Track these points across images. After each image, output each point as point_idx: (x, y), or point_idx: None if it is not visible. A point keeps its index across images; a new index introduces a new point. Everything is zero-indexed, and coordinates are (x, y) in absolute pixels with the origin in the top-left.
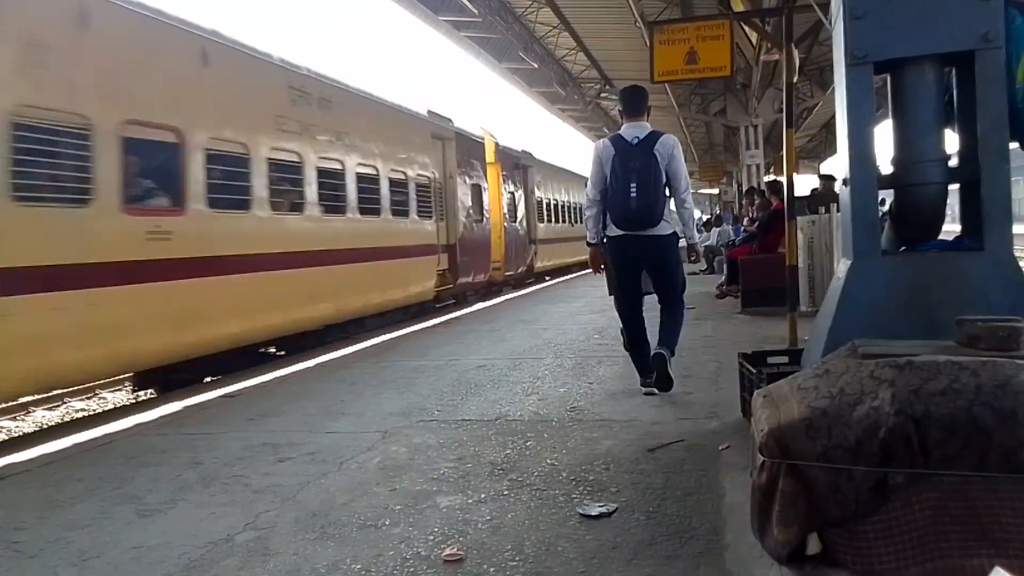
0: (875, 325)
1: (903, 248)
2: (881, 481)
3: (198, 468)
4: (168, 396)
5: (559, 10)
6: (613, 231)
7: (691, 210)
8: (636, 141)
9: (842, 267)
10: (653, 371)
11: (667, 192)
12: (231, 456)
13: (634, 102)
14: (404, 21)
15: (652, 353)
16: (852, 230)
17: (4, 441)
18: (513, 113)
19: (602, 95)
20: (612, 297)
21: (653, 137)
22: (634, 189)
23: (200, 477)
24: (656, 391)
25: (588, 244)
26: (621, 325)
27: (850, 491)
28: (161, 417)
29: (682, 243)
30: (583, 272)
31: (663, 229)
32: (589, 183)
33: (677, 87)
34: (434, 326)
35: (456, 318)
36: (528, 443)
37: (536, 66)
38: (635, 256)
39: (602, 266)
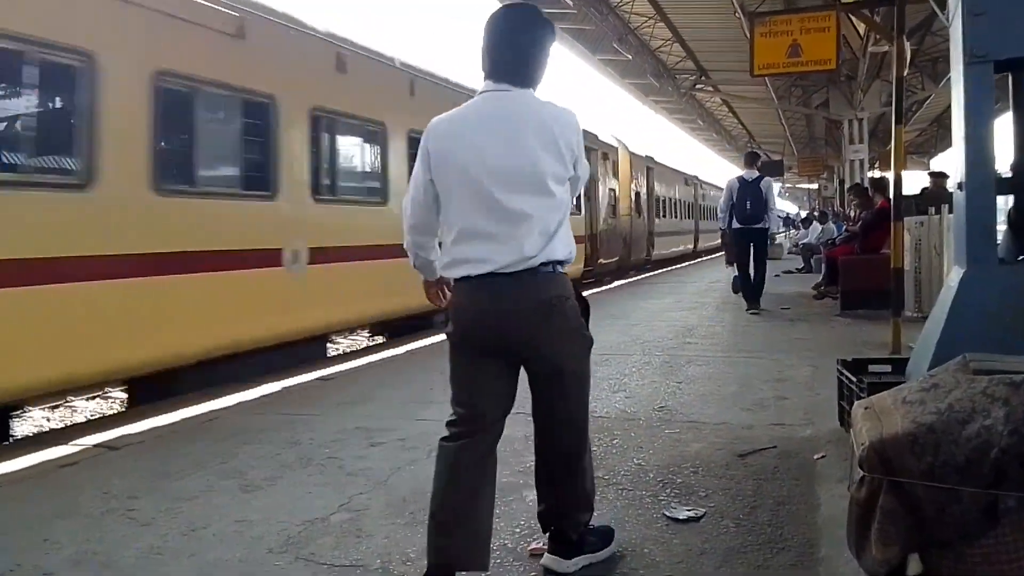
0: (988, 338)
1: (1021, 257)
2: (991, 504)
3: (296, 448)
4: (268, 376)
5: (655, 1)
6: (736, 225)
7: (775, 214)
8: (751, 180)
9: (954, 275)
10: (756, 302)
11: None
12: (326, 438)
13: (752, 160)
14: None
15: (752, 295)
16: (967, 236)
17: (118, 413)
18: (602, 102)
19: (697, 87)
20: (726, 267)
21: (759, 178)
22: (749, 204)
23: (298, 457)
24: (758, 312)
25: (721, 230)
26: (733, 284)
27: (957, 513)
28: (262, 396)
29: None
30: (694, 261)
31: (763, 224)
32: (723, 200)
33: (777, 78)
34: None
35: None
36: (615, 441)
37: (630, 57)
38: (748, 238)
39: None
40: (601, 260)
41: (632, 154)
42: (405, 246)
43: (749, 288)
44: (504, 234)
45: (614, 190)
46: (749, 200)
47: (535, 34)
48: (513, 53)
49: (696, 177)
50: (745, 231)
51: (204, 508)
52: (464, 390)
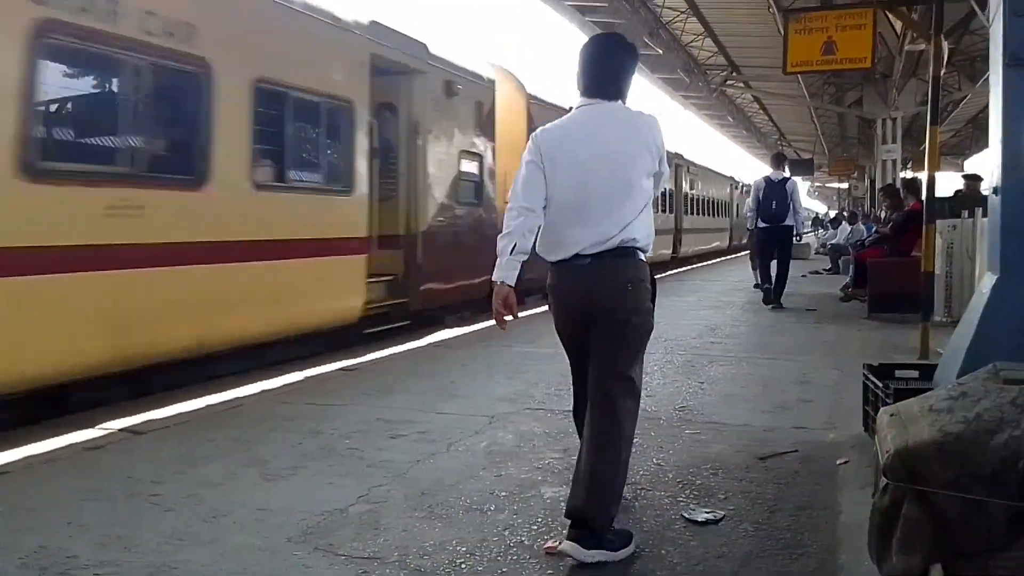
0: (1020, 347)
1: None
2: (1017, 515)
3: (318, 438)
4: (291, 365)
5: None
6: (761, 224)
7: (801, 214)
8: (778, 180)
9: (987, 281)
10: (778, 299)
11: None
12: (348, 429)
13: (779, 161)
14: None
15: (772, 291)
16: (1000, 242)
17: (143, 398)
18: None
19: (728, 82)
20: (750, 264)
21: (785, 179)
22: (774, 204)
23: (319, 447)
24: (780, 307)
25: (748, 230)
26: (754, 283)
27: (983, 524)
28: (285, 385)
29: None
30: (717, 260)
31: (787, 223)
32: (750, 199)
33: (810, 76)
34: (545, 312)
35: None
36: (634, 440)
37: (661, 52)
38: (773, 236)
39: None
40: (430, 286)
41: (533, 98)
42: (507, 231)
43: (770, 285)
44: (595, 220)
45: (476, 155)
46: (775, 200)
47: (621, 58)
48: (603, 74)
49: (680, 155)
50: (770, 230)
51: (226, 495)
52: (569, 354)
